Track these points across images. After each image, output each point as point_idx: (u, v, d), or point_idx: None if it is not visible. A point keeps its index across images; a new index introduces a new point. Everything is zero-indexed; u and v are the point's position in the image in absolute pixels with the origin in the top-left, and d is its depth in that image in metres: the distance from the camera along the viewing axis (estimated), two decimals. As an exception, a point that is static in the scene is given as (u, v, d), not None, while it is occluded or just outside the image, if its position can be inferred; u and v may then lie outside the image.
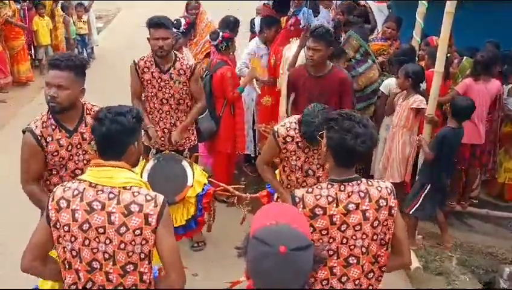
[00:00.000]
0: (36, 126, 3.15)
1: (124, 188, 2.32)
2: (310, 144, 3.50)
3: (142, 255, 2.33)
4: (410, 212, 5.09)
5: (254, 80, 6.15)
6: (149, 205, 2.30)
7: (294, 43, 5.99)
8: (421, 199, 5.03)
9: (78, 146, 3.23)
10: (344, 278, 2.53)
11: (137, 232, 2.28)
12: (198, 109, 4.90)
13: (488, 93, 5.61)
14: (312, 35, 4.40)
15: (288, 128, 3.57)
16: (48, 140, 3.15)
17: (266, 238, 1.69)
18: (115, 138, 2.38)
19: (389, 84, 5.60)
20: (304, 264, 1.66)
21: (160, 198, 2.35)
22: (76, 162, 3.25)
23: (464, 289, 4.79)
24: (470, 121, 5.58)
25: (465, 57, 6.04)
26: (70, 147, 3.20)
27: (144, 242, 2.30)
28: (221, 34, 5.65)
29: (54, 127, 3.17)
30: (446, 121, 5.92)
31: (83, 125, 3.23)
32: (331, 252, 2.47)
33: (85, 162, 3.26)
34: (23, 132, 3.19)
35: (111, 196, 2.29)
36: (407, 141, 5.23)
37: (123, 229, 2.27)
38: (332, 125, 2.44)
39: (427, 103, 5.04)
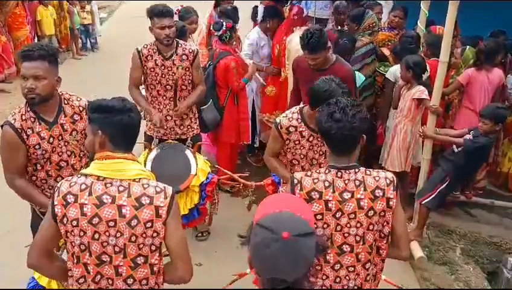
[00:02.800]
0: (15, 119, 3.10)
1: (134, 180, 2.29)
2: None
3: (153, 248, 2.32)
4: (423, 203, 5.07)
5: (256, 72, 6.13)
6: (159, 197, 2.28)
7: (298, 33, 5.97)
8: (436, 192, 5.01)
9: (60, 138, 3.18)
10: (337, 266, 2.53)
11: (149, 224, 2.26)
12: (199, 90, 4.88)
13: (491, 83, 5.58)
14: (306, 48, 4.26)
15: (290, 119, 3.56)
16: (28, 133, 3.09)
17: (269, 225, 1.70)
18: (135, 129, 2.38)
19: (396, 71, 5.57)
20: (306, 251, 1.66)
21: (170, 190, 2.34)
22: (60, 154, 3.21)
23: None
24: (472, 111, 5.57)
25: (468, 47, 6.00)
26: (51, 139, 3.16)
27: (155, 235, 2.29)
28: (224, 24, 5.63)
29: (33, 119, 3.11)
30: (448, 111, 5.92)
31: (62, 116, 3.18)
32: (324, 238, 2.47)
33: (68, 153, 3.23)
34: (1, 126, 3.13)
35: (121, 188, 2.26)
36: (409, 131, 5.20)
37: (134, 221, 2.25)
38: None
39: (430, 92, 5.01)
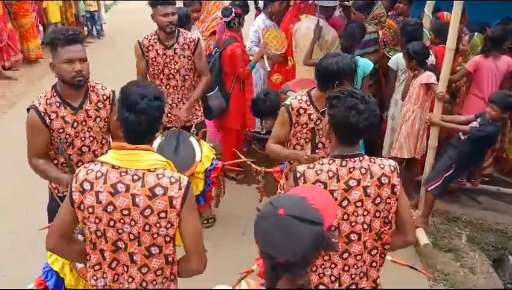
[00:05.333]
0: (40, 103, 3.15)
1: (149, 170, 2.28)
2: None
3: (168, 238, 2.32)
4: (429, 189, 5.07)
5: (265, 56, 6.11)
6: (173, 188, 2.27)
7: (304, 20, 5.95)
8: (442, 179, 5.00)
9: (84, 123, 3.23)
10: (345, 255, 2.54)
11: (162, 215, 2.26)
12: (204, 83, 4.91)
13: (498, 70, 5.54)
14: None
15: (300, 101, 3.54)
16: (52, 117, 3.14)
17: (274, 201, 1.73)
18: (155, 123, 2.35)
19: (397, 59, 5.54)
20: (301, 235, 1.65)
21: (185, 180, 2.32)
22: (83, 139, 3.25)
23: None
24: (480, 98, 5.54)
25: (476, 33, 5.95)
26: (75, 124, 3.21)
27: (169, 225, 2.29)
28: (234, 10, 5.61)
29: (58, 104, 3.16)
30: (455, 99, 5.89)
31: (88, 102, 3.24)
32: (332, 228, 2.47)
33: (91, 139, 3.28)
34: (28, 110, 3.19)
35: (135, 177, 2.25)
36: (418, 117, 5.18)
37: (148, 211, 2.25)
38: (334, 103, 2.44)
39: (436, 78, 4.99)
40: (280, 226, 1.65)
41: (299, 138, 3.61)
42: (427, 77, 5.05)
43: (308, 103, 3.51)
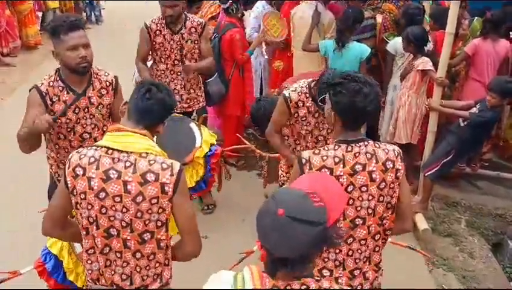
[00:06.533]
0: (42, 84, 3.17)
1: (140, 155, 2.29)
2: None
3: (159, 223, 2.33)
4: (427, 175, 5.08)
5: (263, 44, 6.08)
6: (165, 174, 2.26)
7: (304, 4, 5.92)
8: (440, 164, 5.00)
9: (86, 110, 3.23)
10: (350, 240, 2.55)
11: (154, 201, 2.26)
12: (210, 60, 4.88)
13: (497, 54, 5.54)
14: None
15: (299, 93, 3.52)
16: (53, 99, 3.15)
17: (276, 197, 1.71)
18: (161, 108, 2.38)
19: (395, 43, 5.52)
20: (299, 236, 1.63)
21: (177, 166, 2.31)
22: (84, 125, 3.26)
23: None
24: (479, 82, 5.53)
25: (475, 18, 5.92)
26: (77, 110, 3.21)
27: (160, 211, 2.29)
28: None
29: (61, 88, 3.17)
30: (454, 83, 5.88)
31: (91, 89, 3.24)
32: (340, 219, 2.47)
33: (92, 126, 3.28)
34: (30, 90, 3.20)
35: (127, 164, 2.25)
36: (414, 102, 5.17)
37: (139, 198, 2.24)
38: (339, 90, 2.41)
39: (433, 64, 4.98)
40: (278, 226, 1.63)
41: (299, 129, 3.62)
42: (423, 63, 5.03)
43: (308, 95, 3.50)
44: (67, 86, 3.17)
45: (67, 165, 2.31)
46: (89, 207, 2.29)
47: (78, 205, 2.32)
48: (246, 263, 3.24)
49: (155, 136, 4.08)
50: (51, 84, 3.17)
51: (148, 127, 2.37)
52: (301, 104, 3.50)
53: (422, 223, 4.86)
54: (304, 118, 3.54)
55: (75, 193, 2.29)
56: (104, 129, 3.35)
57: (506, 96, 4.80)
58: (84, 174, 2.26)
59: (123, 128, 2.33)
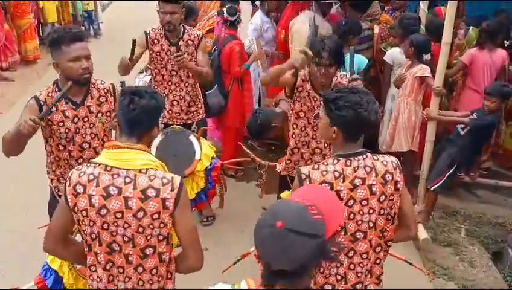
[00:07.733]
0: (41, 93, 3.20)
1: (140, 171, 2.29)
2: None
3: (161, 237, 2.33)
4: (432, 189, 5.08)
5: (258, 62, 6.09)
6: (166, 189, 2.27)
7: (302, 16, 5.95)
8: (445, 177, 5.01)
9: (85, 119, 3.24)
10: (351, 253, 2.55)
11: (155, 216, 2.27)
12: (206, 70, 4.81)
13: (493, 63, 5.58)
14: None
15: (304, 77, 3.79)
16: (52, 109, 3.15)
17: (274, 210, 1.71)
18: (149, 114, 2.34)
19: (393, 53, 5.55)
20: (297, 249, 1.63)
21: (177, 181, 2.31)
22: (84, 135, 3.26)
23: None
24: (475, 92, 5.56)
25: (471, 27, 5.96)
26: (76, 119, 3.22)
27: (162, 225, 2.30)
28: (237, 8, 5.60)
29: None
30: (451, 93, 5.90)
31: (89, 98, 3.25)
32: (338, 228, 2.48)
33: (92, 135, 3.29)
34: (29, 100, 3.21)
35: (127, 180, 2.26)
36: (413, 110, 5.20)
37: (141, 214, 2.25)
38: (340, 104, 2.40)
39: (433, 74, 4.98)
40: (276, 238, 1.63)
41: (302, 104, 3.83)
42: (422, 70, 5.07)
43: (309, 84, 3.76)
44: (65, 96, 3.17)
45: (67, 183, 2.31)
46: (91, 224, 2.29)
47: (80, 222, 2.32)
48: (243, 264, 3.28)
49: (154, 148, 4.10)
50: (49, 94, 3.19)
51: (142, 136, 2.37)
52: (301, 89, 3.83)
53: (422, 232, 4.85)
54: (304, 99, 3.83)
55: (76, 211, 2.30)
56: (105, 139, 3.35)
57: (505, 98, 4.89)
58: (84, 192, 2.27)
59: (119, 144, 2.33)
